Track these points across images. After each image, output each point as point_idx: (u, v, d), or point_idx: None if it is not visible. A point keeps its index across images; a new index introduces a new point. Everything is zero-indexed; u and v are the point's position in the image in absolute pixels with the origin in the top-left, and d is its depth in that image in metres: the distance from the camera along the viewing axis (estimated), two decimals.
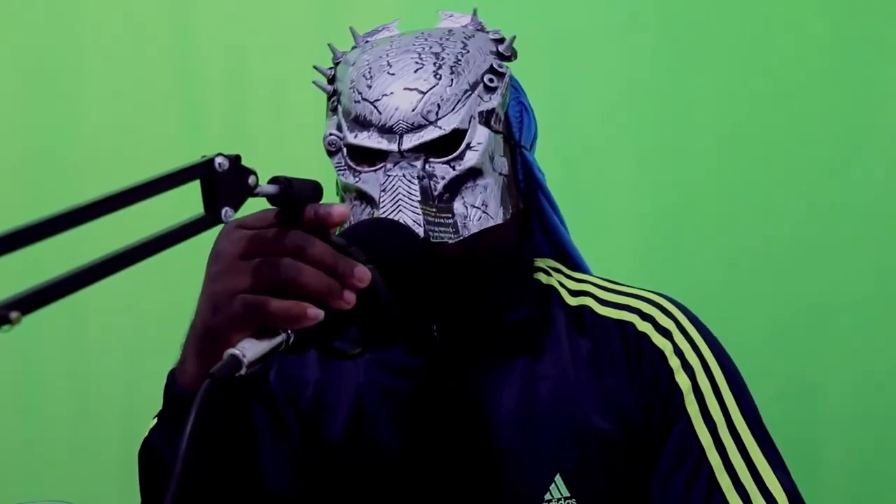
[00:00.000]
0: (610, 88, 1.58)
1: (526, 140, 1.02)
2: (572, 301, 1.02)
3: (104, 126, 1.60)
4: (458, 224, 0.90)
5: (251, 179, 0.62)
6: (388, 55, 0.95)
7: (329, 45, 1.04)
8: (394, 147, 0.90)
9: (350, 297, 0.66)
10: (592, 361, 0.97)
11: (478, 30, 1.02)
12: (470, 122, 0.92)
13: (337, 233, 0.73)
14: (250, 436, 0.82)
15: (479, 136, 0.92)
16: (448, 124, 0.91)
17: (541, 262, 1.05)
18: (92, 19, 1.60)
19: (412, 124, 0.90)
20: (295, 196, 0.65)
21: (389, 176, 0.89)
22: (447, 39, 0.97)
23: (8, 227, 0.49)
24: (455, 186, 0.91)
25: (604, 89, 1.57)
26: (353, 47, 1.03)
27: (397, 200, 0.88)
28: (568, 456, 0.93)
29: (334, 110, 0.97)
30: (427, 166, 0.90)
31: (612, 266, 1.55)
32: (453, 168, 0.91)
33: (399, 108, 0.91)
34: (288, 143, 1.61)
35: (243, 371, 0.60)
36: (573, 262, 1.08)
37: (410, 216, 0.87)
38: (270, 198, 0.65)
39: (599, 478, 0.93)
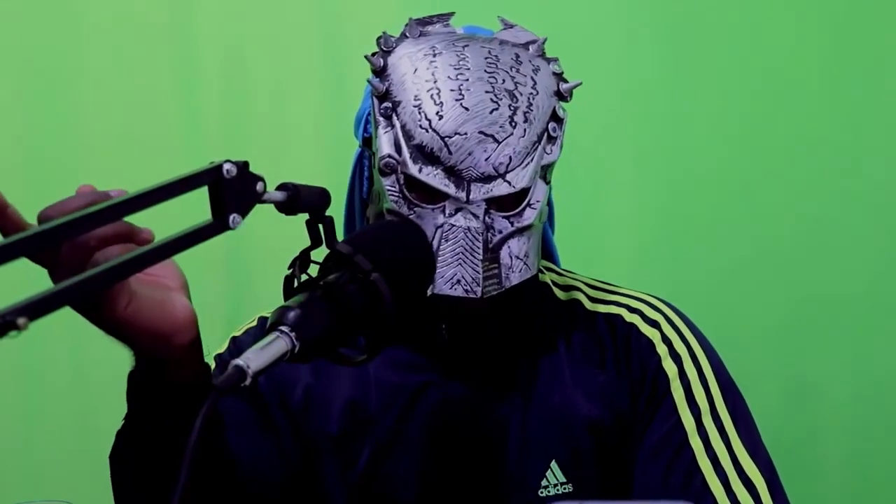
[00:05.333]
0: (609, 88, 1.58)
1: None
2: (563, 296, 1.05)
3: (104, 126, 1.60)
4: (503, 275, 0.92)
5: (259, 186, 0.62)
6: (459, 77, 0.93)
7: (383, 33, 0.98)
8: (461, 195, 0.91)
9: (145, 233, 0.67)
10: (583, 354, 1.00)
11: (538, 55, 1.00)
12: (534, 178, 0.93)
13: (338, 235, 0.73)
14: (218, 428, 0.83)
15: (539, 192, 0.94)
16: (517, 181, 0.92)
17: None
18: (92, 19, 1.59)
19: (483, 174, 0.91)
20: (302, 203, 0.65)
21: (454, 226, 0.90)
22: (517, 70, 0.95)
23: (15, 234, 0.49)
24: (506, 238, 0.93)
25: (603, 89, 1.57)
26: (403, 35, 0.99)
27: (458, 254, 0.89)
28: (562, 444, 0.96)
29: (388, 118, 0.94)
30: (487, 217, 0.91)
31: (612, 266, 1.55)
32: (512, 224, 0.93)
33: (473, 154, 0.90)
34: (287, 143, 1.60)
35: (248, 382, 0.59)
36: (553, 259, 1.11)
37: (470, 273, 0.89)
38: (277, 204, 0.65)
39: (592, 464, 0.96)
